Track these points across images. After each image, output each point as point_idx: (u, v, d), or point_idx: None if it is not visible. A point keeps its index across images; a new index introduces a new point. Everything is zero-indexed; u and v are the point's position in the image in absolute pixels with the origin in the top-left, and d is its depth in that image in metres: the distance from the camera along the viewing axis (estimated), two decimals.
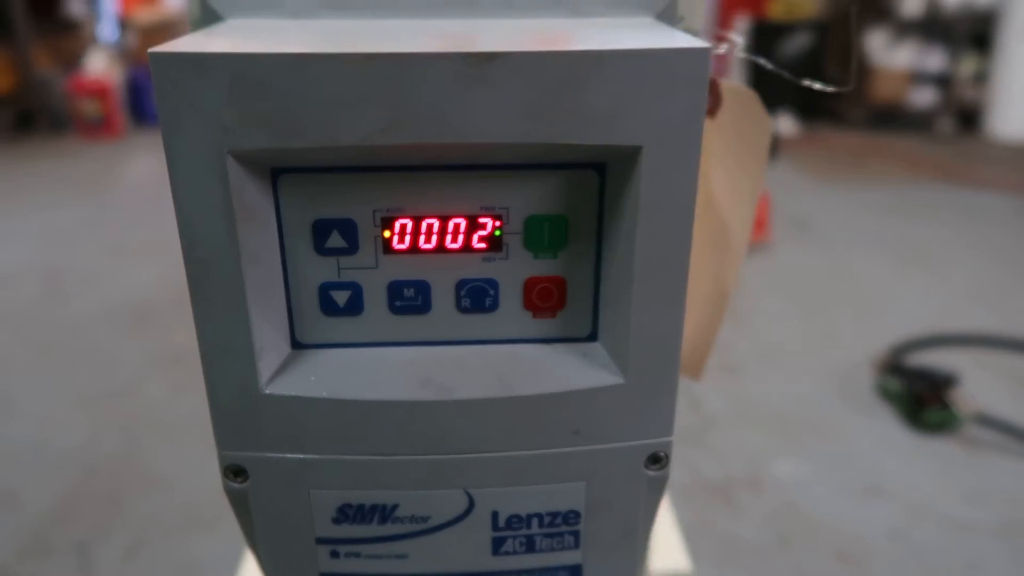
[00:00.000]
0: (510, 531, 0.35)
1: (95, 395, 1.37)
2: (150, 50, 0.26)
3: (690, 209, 0.30)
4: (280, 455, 0.33)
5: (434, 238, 0.32)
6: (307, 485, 0.34)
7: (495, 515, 0.35)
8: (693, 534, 1.01)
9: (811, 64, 3.66)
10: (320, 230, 0.31)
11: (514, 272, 0.33)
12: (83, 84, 3.60)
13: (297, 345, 0.33)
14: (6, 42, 3.60)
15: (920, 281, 1.90)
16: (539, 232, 0.32)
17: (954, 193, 2.67)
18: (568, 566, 0.37)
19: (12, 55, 3.63)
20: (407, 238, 0.32)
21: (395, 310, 0.33)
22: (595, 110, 0.28)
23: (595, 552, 0.36)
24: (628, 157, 0.29)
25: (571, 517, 0.35)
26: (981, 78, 3.56)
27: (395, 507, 0.34)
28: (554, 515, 0.35)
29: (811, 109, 3.67)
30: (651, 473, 0.34)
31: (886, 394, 1.34)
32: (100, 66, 3.77)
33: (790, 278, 1.93)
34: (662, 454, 0.34)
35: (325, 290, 0.32)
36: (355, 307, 0.33)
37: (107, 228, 2.32)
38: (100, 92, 3.60)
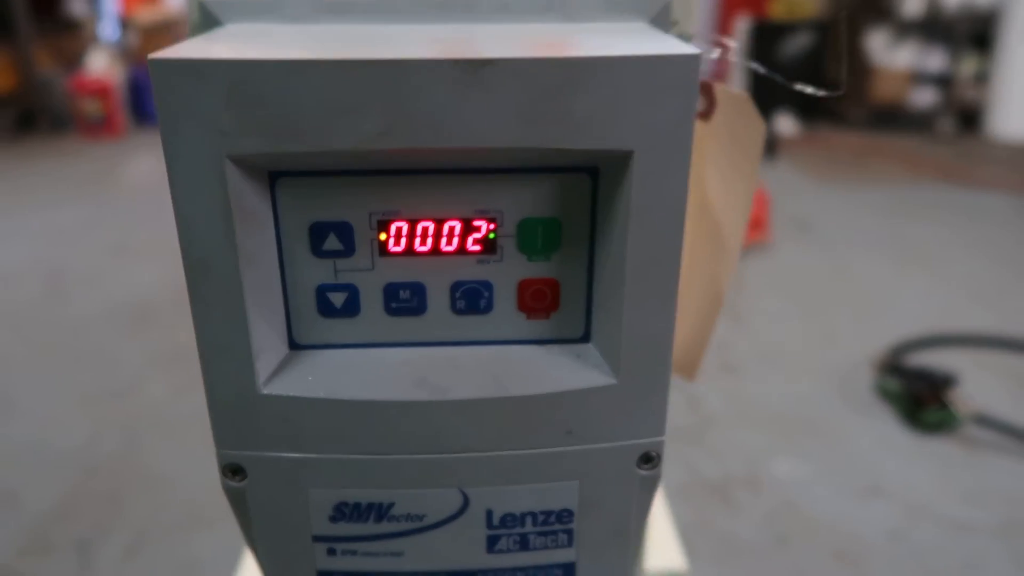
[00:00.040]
0: (504, 529, 0.36)
1: (96, 394, 1.37)
2: (149, 56, 0.27)
3: (681, 212, 0.30)
4: (278, 454, 0.34)
5: (429, 241, 0.32)
6: (304, 484, 0.34)
7: (489, 513, 0.35)
8: (692, 533, 1.02)
9: (812, 64, 3.66)
10: (317, 233, 0.32)
11: (508, 274, 0.33)
12: (84, 84, 3.61)
13: (294, 346, 0.34)
14: (7, 42, 3.60)
15: (920, 281, 1.90)
16: (533, 235, 0.32)
17: (954, 193, 2.67)
18: (562, 564, 0.37)
19: (13, 55, 3.64)
20: (403, 241, 0.32)
21: (391, 311, 0.33)
22: (587, 115, 0.28)
23: (588, 550, 0.37)
24: (620, 161, 0.29)
25: (564, 516, 0.36)
26: (982, 78, 3.56)
27: (391, 505, 0.35)
28: (548, 514, 0.35)
29: (812, 109, 3.67)
30: (643, 472, 0.35)
31: (885, 394, 1.35)
32: (101, 66, 3.78)
33: (790, 278, 1.93)
34: (654, 454, 0.34)
35: (322, 292, 0.33)
36: (352, 308, 0.33)
37: (108, 227, 2.32)
38: (101, 92, 3.60)
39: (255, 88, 0.27)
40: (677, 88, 0.28)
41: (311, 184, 0.31)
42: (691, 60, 0.28)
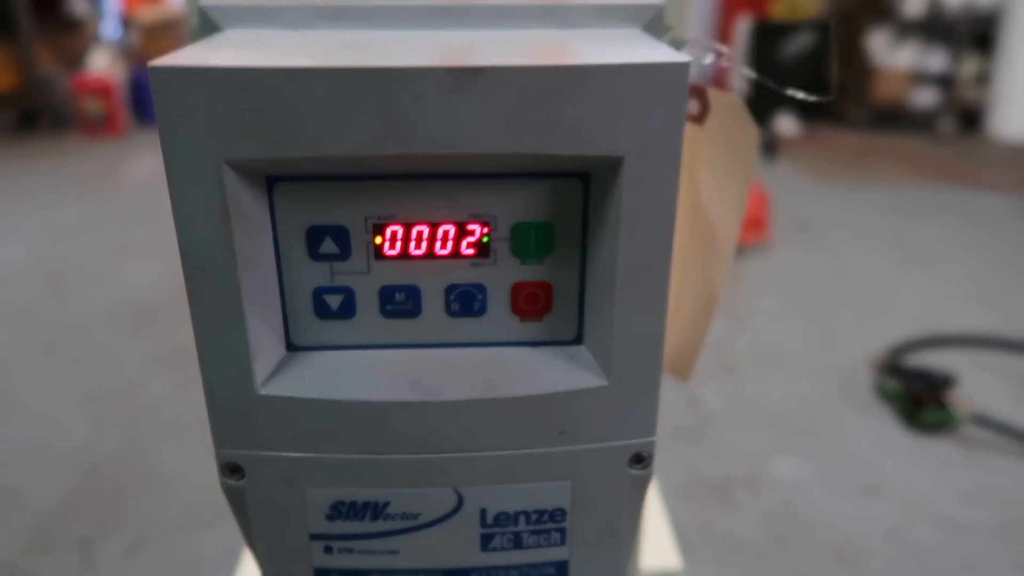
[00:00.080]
0: (498, 528, 0.36)
1: (97, 394, 1.38)
2: (149, 64, 0.27)
3: (671, 217, 0.30)
4: (275, 454, 0.34)
5: (424, 244, 0.33)
6: (302, 483, 0.35)
7: (483, 512, 0.36)
8: (691, 533, 1.02)
9: (813, 64, 3.66)
10: (314, 236, 0.32)
11: (502, 277, 0.34)
12: (86, 82, 3.61)
13: (292, 347, 0.34)
14: (9, 40, 3.61)
15: (919, 282, 1.90)
16: (526, 239, 0.33)
17: (955, 194, 2.67)
18: (555, 562, 0.38)
19: (15, 53, 3.64)
20: (398, 244, 0.33)
21: (386, 314, 0.34)
22: (578, 122, 0.29)
23: (581, 548, 0.37)
24: (610, 167, 0.30)
25: (557, 514, 0.36)
26: (983, 79, 3.55)
27: (386, 504, 0.35)
28: (541, 512, 0.36)
29: (812, 109, 3.67)
30: (634, 472, 0.35)
31: (884, 394, 1.35)
32: (103, 64, 3.79)
33: (790, 278, 1.93)
34: (645, 454, 0.35)
35: (319, 294, 0.33)
36: (348, 311, 0.34)
37: (109, 227, 2.33)
38: (103, 90, 3.61)
39: (253, 95, 0.28)
40: (667, 95, 0.28)
41: (308, 189, 0.31)
42: (680, 68, 0.28)
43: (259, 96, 0.28)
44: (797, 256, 2.08)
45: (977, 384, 1.35)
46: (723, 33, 4.06)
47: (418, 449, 0.34)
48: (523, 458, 0.34)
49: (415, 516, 0.36)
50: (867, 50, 3.75)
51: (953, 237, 2.23)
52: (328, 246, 0.32)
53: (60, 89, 3.71)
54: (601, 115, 0.29)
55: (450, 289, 0.34)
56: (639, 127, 0.29)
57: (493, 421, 0.33)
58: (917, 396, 1.27)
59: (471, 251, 0.33)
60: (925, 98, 3.69)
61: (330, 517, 0.36)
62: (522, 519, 0.36)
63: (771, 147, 3.09)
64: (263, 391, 0.33)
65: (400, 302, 0.34)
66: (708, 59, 0.42)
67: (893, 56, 3.72)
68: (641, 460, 0.35)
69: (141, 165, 3.15)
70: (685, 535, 1.01)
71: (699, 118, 0.44)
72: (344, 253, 0.33)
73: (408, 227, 0.32)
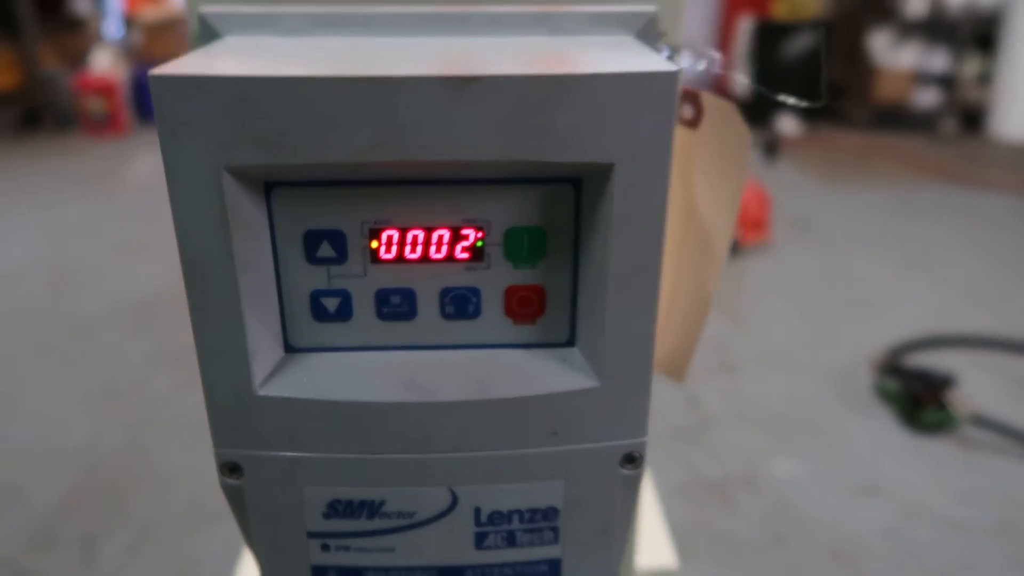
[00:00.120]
0: (492, 526, 0.37)
1: (100, 392, 1.38)
2: (150, 73, 0.28)
3: (661, 222, 0.31)
4: (273, 453, 0.35)
5: (419, 248, 0.33)
6: (299, 482, 0.36)
7: (477, 511, 0.37)
8: (690, 532, 1.03)
9: (815, 64, 3.66)
10: (311, 240, 0.33)
11: (495, 281, 0.34)
12: (89, 82, 3.63)
13: (289, 349, 0.35)
14: (12, 39, 3.62)
15: (920, 282, 1.91)
16: (519, 243, 0.33)
17: (956, 194, 2.67)
18: (548, 560, 0.38)
19: (18, 52, 3.65)
20: (393, 248, 0.33)
21: (382, 316, 0.34)
22: (569, 130, 0.29)
23: (573, 547, 0.38)
24: (601, 173, 0.31)
25: (550, 513, 0.37)
26: (985, 79, 3.55)
27: (382, 503, 0.36)
28: (534, 512, 0.37)
29: (814, 109, 3.67)
30: (626, 472, 0.36)
31: (884, 394, 1.35)
32: (106, 64, 3.80)
33: (790, 278, 1.94)
34: (637, 454, 0.35)
35: (316, 297, 0.34)
36: (344, 313, 0.34)
37: (112, 226, 2.34)
38: (106, 90, 3.62)
39: (252, 103, 0.28)
40: (656, 103, 0.29)
41: (305, 194, 0.32)
42: (669, 76, 0.29)
43: (258, 104, 0.28)
44: (798, 256, 2.08)
45: (976, 385, 1.35)
46: (725, 33, 4.06)
47: (413, 449, 0.34)
48: (516, 458, 0.35)
49: (410, 515, 0.36)
50: (869, 50, 3.75)
51: (954, 238, 2.23)
52: (325, 250, 0.33)
53: (63, 88, 3.72)
54: (592, 123, 0.29)
55: (445, 292, 0.34)
56: (629, 134, 0.29)
57: (487, 422, 0.34)
58: (917, 396, 1.28)
59: (465, 255, 0.33)
60: (927, 98, 3.69)
61: (327, 515, 0.36)
62: (515, 518, 0.37)
63: (772, 147, 3.09)
64: (261, 392, 0.33)
65: (396, 305, 0.34)
66: (701, 65, 0.42)
67: (895, 56, 3.72)
68: (633, 460, 0.35)
69: (143, 164, 3.15)
70: (684, 535, 1.02)
71: (693, 122, 0.45)
72: (341, 257, 0.33)
73: (404, 231, 0.33)
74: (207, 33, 0.36)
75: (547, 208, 0.33)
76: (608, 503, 0.37)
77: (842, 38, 3.79)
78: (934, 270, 1.98)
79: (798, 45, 3.58)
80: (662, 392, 1.41)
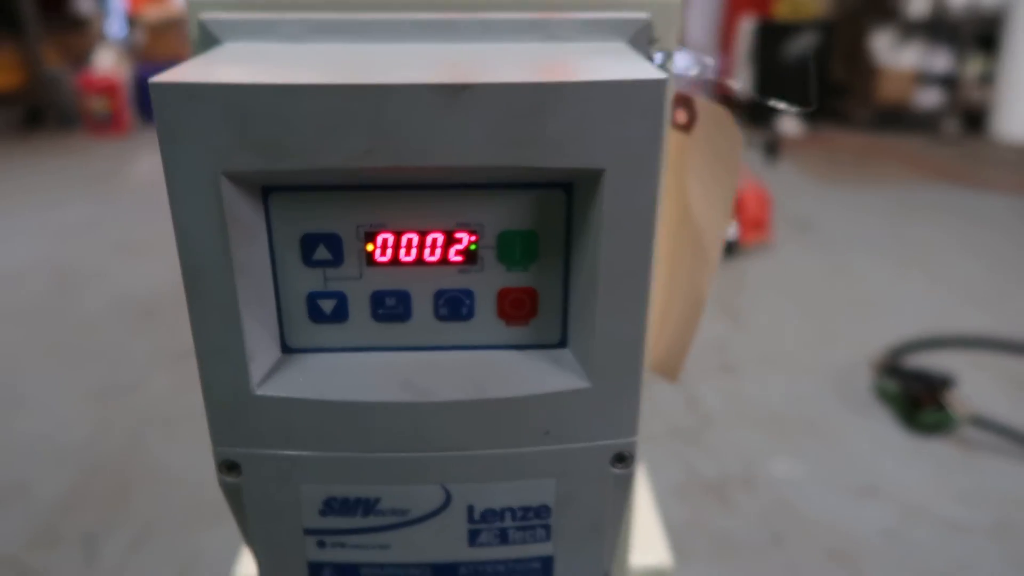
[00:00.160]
0: (485, 524, 0.38)
1: (102, 390, 1.39)
2: (151, 80, 0.29)
3: (650, 226, 0.32)
4: (271, 452, 0.35)
5: (414, 251, 0.34)
6: (296, 479, 0.36)
7: (470, 509, 0.37)
8: (688, 532, 1.03)
9: (817, 64, 3.66)
10: (308, 243, 0.34)
11: (488, 283, 0.35)
12: (91, 81, 3.63)
13: (287, 349, 0.36)
14: (15, 39, 3.63)
15: (920, 283, 1.91)
16: (511, 246, 0.34)
17: (957, 195, 2.67)
18: (540, 557, 0.39)
19: (21, 52, 3.66)
20: (388, 251, 0.34)
21: (378, 318, 0.35)
22: (559, 136, 0.30)
23: (565, 544, 0.39)
24: (592, 179, 0.31)
25: (542, 511, 0.37)
26: (987, 79, 3.55)
27: (377, 500, 0.37)
28: (526, 509, 0.37)
29: (816, 109, 3.68)
30: (617, 471, 0.36)
31: (883, 395, 1.36)
32: (108, 63, 3.81)
33: (790, 278, 1.94)
34: (627, 453, 0.36)
35: (312, 299, 0.35)
36: (340, 315, 0.35)
37: (114, 225, 2.34)
38: (108, 89, 3.63)
39: (250, 110, 0.29)
40: (645, 110, 0.30)
41: (302, 198, 0.33)
42: (658, 84, 0.29)
43: (256, 111, 0.29)
44: (798, 256, 2.08)
45: (975, 385, 1.36)
46: (726, 33, 4.07)
47: (408, 448, 0.35)
48: (509, 457, 0.36)
49: (405, 512, 0.37)
50: (871, 50, 3.75)
51: (954, 238, 2.23)
52: (321, 253, 0.34)
53: (66, 88, 3.73)
54: (582, 129, 0.30)
55: (439, 294, 0.35)
56: (618, 141, 0.30)
57: (480, 421, 0.35)
58: (916, 397, 1.28)
59: (459, 258, 0.34)
60: (929, 99, 3.69)
61: (323, 513, 0.37)
62: (508, 515, 0.37)
63: (774, 147, 3.09)
64: (259, 391, 0.34)
65: (391, 306, 0.35)
66: (694, 71, 0.43)
67: (897, 56, 3.72)
68: (623, 459, 0.36)
69: (145, 164, 3.16)
70: (682, 534, 1.02)
71: (687, 126, 0.45)
72: (337, 260, 0.34)
73: (398, 235, 0.34)
74: (207, 39, 0.37)
75: (539, 212, 0.33)
76: (599, 501, 0.37)
77: (844, 38, 3.79)
78: (934, 270, 1.98)
79: (799, 45, 3.58)
80: (661, 392, 1.41)
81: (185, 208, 0.31)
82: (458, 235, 0.34)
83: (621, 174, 0.31)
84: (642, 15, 0.38)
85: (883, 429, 1.28)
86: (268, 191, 0.32)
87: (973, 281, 1.91)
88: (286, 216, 0.33)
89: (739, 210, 2.05)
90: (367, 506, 0.37)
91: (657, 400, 1.34)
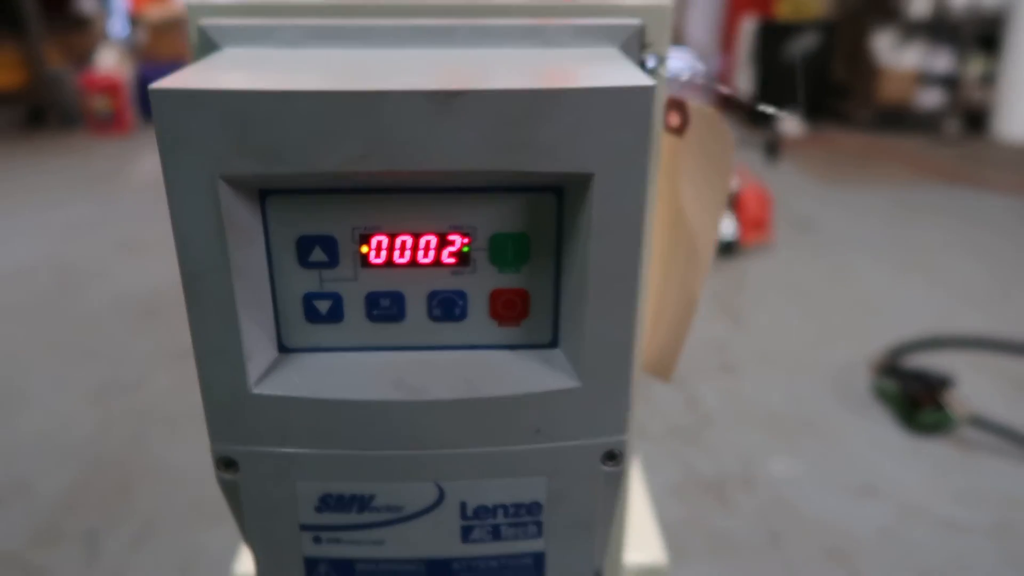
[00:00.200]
0: (477, 520, 0.38)
1: (103, 389, 1.40)
2: (150, 87, 0.29)
3: (639, 228, 0.32)
4: (268, 449, 0.36)
5: (408, 253, 0.35)
6: (292, 476, 0.37)
7: (463, 506, 0.38)
8: (686, 531, 1.04)
9: (818, 64, 3.66)
10: (304, 246, 0.34)
11: (481, 284, 0.35)
12: (94, 80, 3.64)
13: (283, 349, 0.36)
14: (18, 38, 3.64)
15: (919, 283, 1.91)
16: (503, 248, 0.35)
17: (958, 195, 2.67)
18: (531, 553, 0.40)
19: (23, 51, 3.67)
20: (383, 253, 0.35)
21: (372, 318, 0.36)
22: (550, 141, 0.30)
23: (557, 541, 0.39)
24: (581, 183, 0.32)
25: (534, 508, 0.38)
26: (988, 80, 3.55)
27: (372, 497, 0.37)
28: (518, 506, 0.38)
29: (817, 109, 3.68)
30: (607, 469, 0.37)
31: (882, 395, 1.36)
32: (111, 62, 3.81)
33: (790, 278, 1.94)
34: (617, 451, 0.37)
35: (309, 299, 0.35)
36: (336, 315, 0.36)
37: (117, 224, 2.35)
38: (110, 88, 3.64)
39: (247, 115, 0.30)
40: (633, 116, 0.30)
41: (298, 201, 0.33)
42: (646, 91, 0.30)
43: (253, 117, 0.30)
44: (798, 256, 2.09)
45: (974, 386, 1.36)
46: (728, 33, 4.07)
47: (402, 445, 0.36)
48: (501, 455, 0.36)
49: (399, 508, 0.38)
50: (872, 50, 3.75)
51: (954, 239, 2.23)
52: (317, 255, 0.34)
53: (68, 87, 3.74)
54: (572, 135, 0.30)
55: (432, 295, 0.36)
56: (608, 146, 0.31)
57: (473, 420, 0.35)
58: (915, 397, 1.28)
59: (452, 260, 0.35)
60: (930, 99, 3.69)
61: (319, 509, 0.38)
62: (500, 512, 0.38)
63: (774, 147, 3.09)
64: (256, 390, 0.35)
65: (385, 307, 0.36)
66: (686, 76, 0.44)
67: (898, 57, 3.72)
68: (613, 457, 0.37)
69: (147, 163, 3.17)
70: (680, 533, 1.03)
71: (679, 130, 0.46)
72: (332, 261, 0.35)
73: (393, 237, 0.34)
74: (206, 44, 0.38)
75: (530, 215, 0.34)
76: (590, 498, 0.38)
77: (845, 38, 3.80)
78: (934, 271, 1.98)
79: (801, 45, 3.58)
80: (661, 392, 1.42)
81: (184, 212, 0.31)
82: (451, 237, 0.34)
83: (610, 179, 0.31)
84: (634, 21, 0.38)
85: (882, 429, 1.28)
86: (265, 194, 0.33)
87: (973, 282, 1.92)
88: (283, 219, 0.34)
89: (739, 210, 2.05)
90: (362, 503, 0.37)
91: (656, 400, 1.34)
